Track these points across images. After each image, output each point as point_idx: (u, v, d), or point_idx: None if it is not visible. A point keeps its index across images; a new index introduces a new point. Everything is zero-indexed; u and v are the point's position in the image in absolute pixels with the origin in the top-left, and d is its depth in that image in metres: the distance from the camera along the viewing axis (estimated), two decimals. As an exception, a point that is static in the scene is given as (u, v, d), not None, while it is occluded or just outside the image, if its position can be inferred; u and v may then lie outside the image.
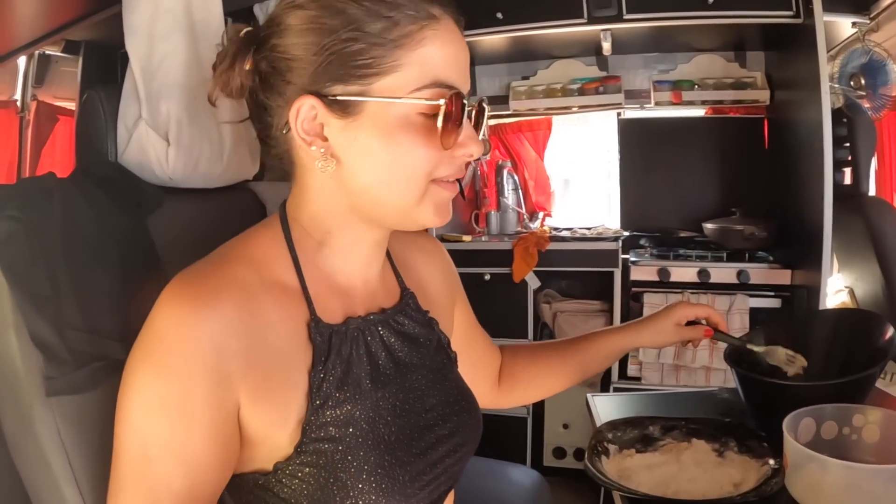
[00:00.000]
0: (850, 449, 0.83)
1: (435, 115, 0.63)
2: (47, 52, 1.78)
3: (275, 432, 0.63)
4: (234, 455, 0.64)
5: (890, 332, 1.01)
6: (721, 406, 1.11)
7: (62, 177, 0.84)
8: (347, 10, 0.62)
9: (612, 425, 0.97)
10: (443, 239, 2.52)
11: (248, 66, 0.67)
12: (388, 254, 0.81)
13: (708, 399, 1.18)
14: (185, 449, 0.60)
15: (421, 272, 0.86)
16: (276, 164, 0.73)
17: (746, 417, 0.99)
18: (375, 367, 0.71)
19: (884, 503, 0.70)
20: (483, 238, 2.67)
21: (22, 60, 1.88)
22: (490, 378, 1.04)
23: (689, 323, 1.05)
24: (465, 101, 0.65)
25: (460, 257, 2.45)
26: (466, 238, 2.57)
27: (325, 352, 0.66)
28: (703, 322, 1.06)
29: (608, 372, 2.45)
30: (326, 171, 0.65)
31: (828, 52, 2.02)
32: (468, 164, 0.73)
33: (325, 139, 0.65)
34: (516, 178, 2.83)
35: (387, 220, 0.70)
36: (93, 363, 0.72)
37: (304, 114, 0.64)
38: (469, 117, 0.68)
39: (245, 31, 0.67)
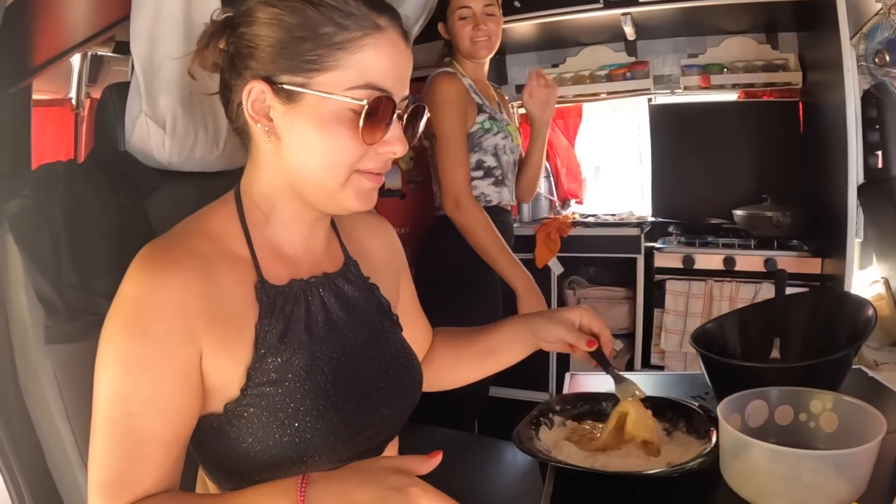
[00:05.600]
0: (805, 437, 0.79)
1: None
2: (99, 52, 1.94)
3: (227, 378, 0.73)
4: (200, 400, 0.74)
5: (869, 312, 0.97)
6: (705, 388, 1.08)
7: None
8: (307, 12, 0.71)
9: (564, 399, 0.97)
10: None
11: (221, 46, 0.77)
12: (335, 227, 0.91)
13: (689, 382, 1.17)
14: (163, 401, 0.69)
15: (365, 245, 0.95)
16: (236, 138, 0.83)
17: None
18: (315, 323, 0.80)
19: (823, 495, 0.65)
20: (515, 225, 2.71)
21: (76, 61, 2.05)
22: (422, 359, 1.06)
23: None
24: (395, 105, 0.73)
25: (485, 242, 2.52)
26: (491, 223, 2.62)
27: (269, 309, 0.76)
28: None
29: (630, 361, 2.46)
30: (268, 147, 0.76)
31: (858, 30, 1.95)
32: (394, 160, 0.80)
33: (271, 120, 0.74)
34: (548, 165, 2.86)
35: (316, 202, 0.78)
36: (85, 317, 0.85)
37: (254, 95, 0.73)
38: (400, 119, 0.76)
39: (225, 16, 0.78)
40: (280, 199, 0.80)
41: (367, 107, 0.71)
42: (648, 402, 0.93)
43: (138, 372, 0.68)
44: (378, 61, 0.72)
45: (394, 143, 0.75)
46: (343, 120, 0.72)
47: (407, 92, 0.77)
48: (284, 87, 0.72)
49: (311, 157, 0.74)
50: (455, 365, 1.08)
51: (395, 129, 0.75)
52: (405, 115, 0.78)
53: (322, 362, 0.78)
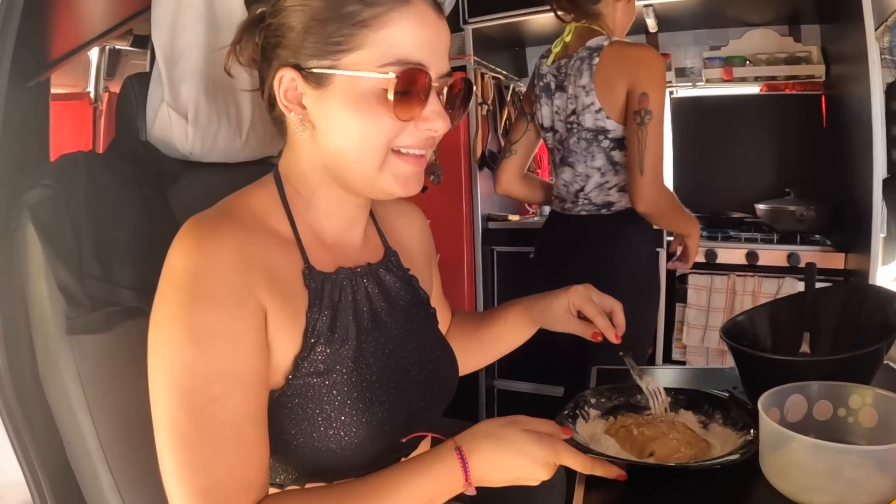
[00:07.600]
0: (844, 432, 0.77)
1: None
2: (117, 46, 1.94)
3: (276, 362, 0.71)
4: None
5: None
6: (733, 382, 1.06)
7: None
8: None
9: (598, 391, 0.95)
10: (489, 217, 2.57)
11: (257, 40, 0.76)
12: (373, 216, 0.89)
13: (717, 376, 1.16)
14: (246, 373, 0.66)
15: (401, 234, 0.94)
16: (277, 126, 0.81)
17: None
18: (360, 314, 0.78)
19: (865, 491, 0.63)
20: (535, 218, 2.69)
21: (94, 55, 2.04)
22: None
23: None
24: (430, 78, 0.70)
25: (506, 236, 2.53)
26: (513, 217, 2.60)
27: (318, 296, 0.74)
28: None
29: (652, 356, 2.43)
30: (304, 135, 0.74)
31: (882, 22, 1.92)
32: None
33: (304, 107, 0.72)
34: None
35: (355, 186, 0.76)
36: (108, 308, 0.84)
37: (285, 84, 0.72)
38: (439, 94, 0.73)
39: (259, 10, 0.76)
40: (320, 186, 0.78)
41: (395, 80, 0.68)
42: (682, 394, 0.92)
43: (214, 346, 0.64)
44: (406, 35, 0.69)
45: (433, 119, 0.72)
46: (376, 97, 0.69)
47: (447, 68, 0.74)
48: (313, 71, 0.70)
49: (347, 139, 0.72)
50: (466, 349, 1.07)
51: (434, 104, 0.72)
52: (446, 91, 0.74)
53: (368, 354, 0.77)
